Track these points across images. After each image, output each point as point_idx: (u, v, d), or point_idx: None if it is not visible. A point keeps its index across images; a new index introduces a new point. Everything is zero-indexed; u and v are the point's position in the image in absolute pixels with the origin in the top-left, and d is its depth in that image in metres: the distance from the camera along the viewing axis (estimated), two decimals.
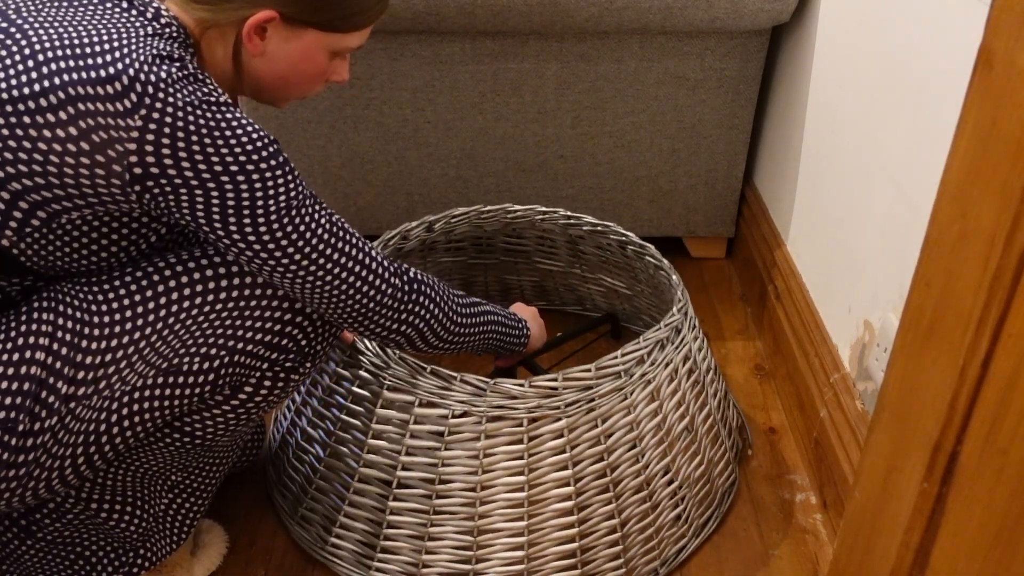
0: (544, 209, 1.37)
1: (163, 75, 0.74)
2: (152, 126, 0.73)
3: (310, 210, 0.82)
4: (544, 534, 1.02)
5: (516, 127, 1.53)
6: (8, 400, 0.78)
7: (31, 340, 0.79)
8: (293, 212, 0.80)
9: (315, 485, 1.10)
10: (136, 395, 0.84)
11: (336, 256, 0.84)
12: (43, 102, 0.72)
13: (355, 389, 1.05)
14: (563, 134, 1.54)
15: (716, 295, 1.63)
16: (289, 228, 0.80)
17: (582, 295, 1.53)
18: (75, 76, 0.73)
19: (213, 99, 0.76)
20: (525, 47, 1.45)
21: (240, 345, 0.87)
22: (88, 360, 0.81)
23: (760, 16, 1.38)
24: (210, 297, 0.85)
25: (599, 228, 1.35)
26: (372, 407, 1.03)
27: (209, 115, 0.75)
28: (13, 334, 0.79)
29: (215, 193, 0.76)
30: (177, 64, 0.76)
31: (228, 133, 0.76)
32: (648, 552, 1.07)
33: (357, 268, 0.86)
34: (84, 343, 0.81)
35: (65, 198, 0.76)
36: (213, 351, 0.86)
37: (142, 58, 0.74)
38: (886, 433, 0.72)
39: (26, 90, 0.72)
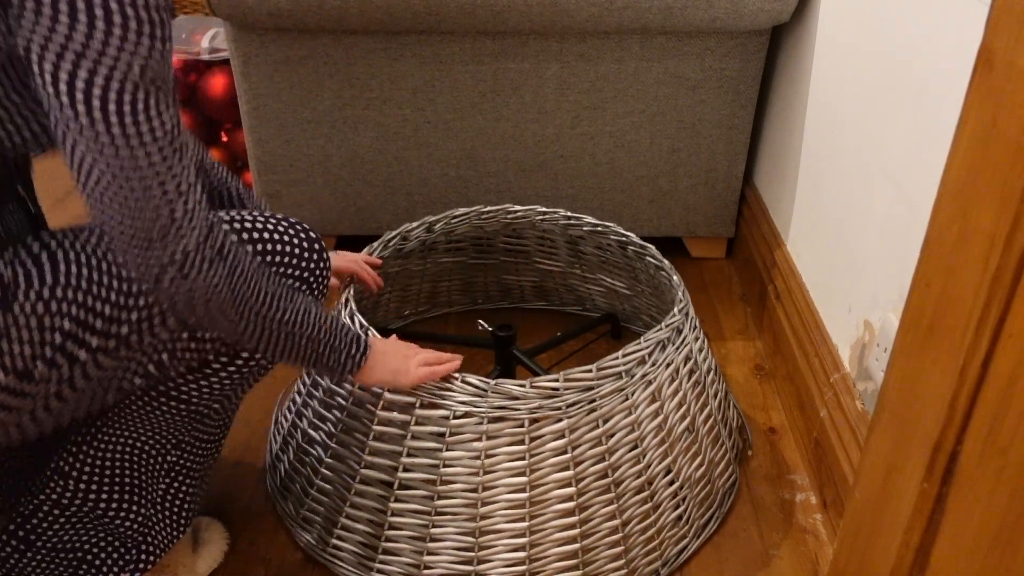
0: (544, 209, 1.38)
1: None
2: None
3: (157, 95, 0.69)
4: (546, 534, 1.02)
5: (516, 127, 1.54)
6: (28, 351, 0.76)
7: (65, 293, 0.77)
8: (138, 82, 0.68)
9: (316, 487, 1.10)
10: (160, 347, 0.84)
11: (147, 140, 0.69)
12: None
13: (356, 391, 1.05)
14: (563, 134, 1.54)
15: (716, 295, 1.63)
16: (115, 96, 0.68)
17: (582, 295, 1.53)
18: None
19: None
20: (525, 47, 1.45)
21: None
22: (123, 316, 0.80)
23: (760, 16, 1.38)
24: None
25: (599, 228, 1.35)
26: (373, 408, 1.03)
27: None
28: (50, 282, 0.77)
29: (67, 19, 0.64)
30: None
31: None
32: (649, 552, 1.07)
33: (161, 173, 0.71)
34: (122, 299, 0.80)
35: None
36: None
37: None
38: (886, 433, 0.72)
39: None
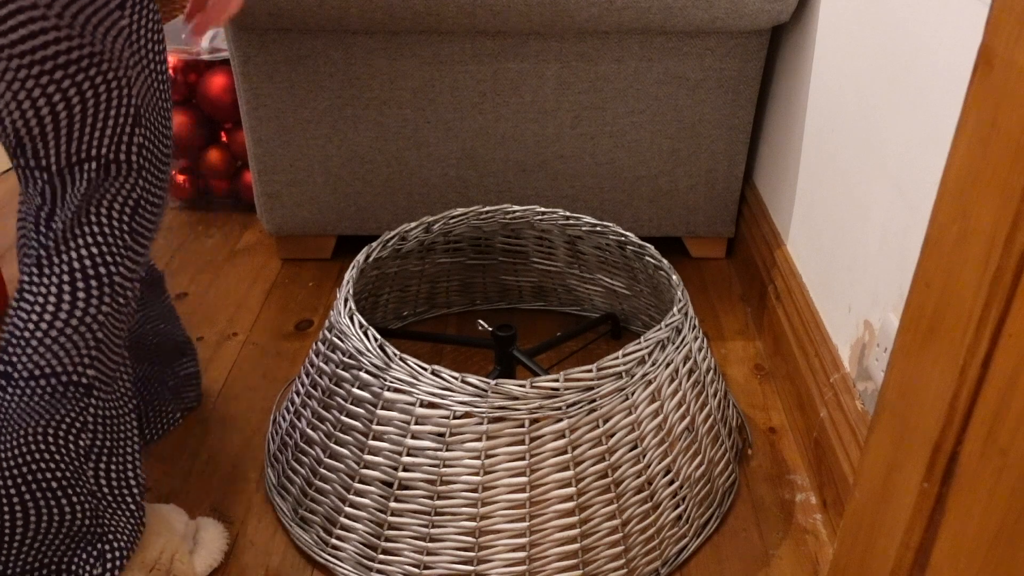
0: (542, 209, 1.38)
1: None
2: None
3: None
4: (546, 534, 1.02)
5: (516, 127, 1.54)
6: None
7: None
8: None
9: (315, 487, 1.10)
10: (135, 86, 0.88)
11: None
12: None
13: (355, 391, 1.05)
14: (563, 134, 1.54)
15: (716, 295, 1.63)
16: None
17: (580, 296, 1.53)
18: None
19: None
20: (525, 47, 1.45)
21: (150, 122, 0.93)
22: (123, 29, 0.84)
23: (760, 16, 1.38)
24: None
25: (597, 228, 1.35)
26: (373, 408, 1.03)
27: None
28: None
29: None
30: None
31: None
32: (649, 552, 1.07)
33: None
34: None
35: None
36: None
37: None
38: (886, 433, 0.72)
39: None
